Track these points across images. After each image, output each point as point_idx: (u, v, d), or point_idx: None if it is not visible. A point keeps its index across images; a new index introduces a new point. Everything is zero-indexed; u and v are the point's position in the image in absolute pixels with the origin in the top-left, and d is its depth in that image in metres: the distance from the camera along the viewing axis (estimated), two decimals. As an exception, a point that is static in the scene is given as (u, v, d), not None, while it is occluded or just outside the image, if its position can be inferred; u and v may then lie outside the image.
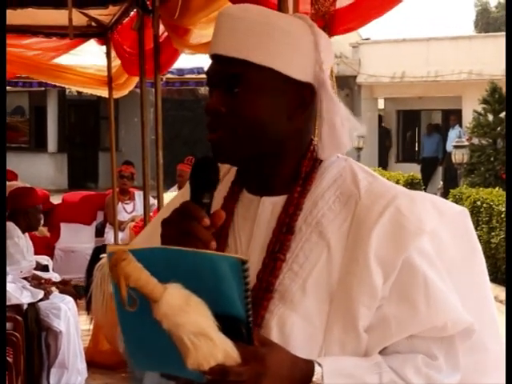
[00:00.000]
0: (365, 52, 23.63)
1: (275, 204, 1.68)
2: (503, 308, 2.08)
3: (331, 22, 2.73)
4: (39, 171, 21.29)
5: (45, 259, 7.06)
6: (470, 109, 19.53)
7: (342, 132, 1.68)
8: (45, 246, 8.86)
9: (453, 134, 20.09)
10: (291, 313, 1.58)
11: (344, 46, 22.34)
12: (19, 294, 5.55)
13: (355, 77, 23.51)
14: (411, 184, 16.45)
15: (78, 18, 6.17)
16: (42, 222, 8.12)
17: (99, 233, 9.37)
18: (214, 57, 1.66)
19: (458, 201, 11.95)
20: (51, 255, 8.60)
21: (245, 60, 1.60)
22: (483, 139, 18.06)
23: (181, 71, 10.12)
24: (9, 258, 5.60)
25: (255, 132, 1.62)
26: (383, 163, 23.10)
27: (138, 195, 8.78)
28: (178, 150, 15.21)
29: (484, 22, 38.66)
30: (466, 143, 17.18)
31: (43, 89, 18.77)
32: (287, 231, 1.64)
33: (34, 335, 5.61)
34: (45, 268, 6.71)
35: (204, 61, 8.17)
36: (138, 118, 9.79)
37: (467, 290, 1.65)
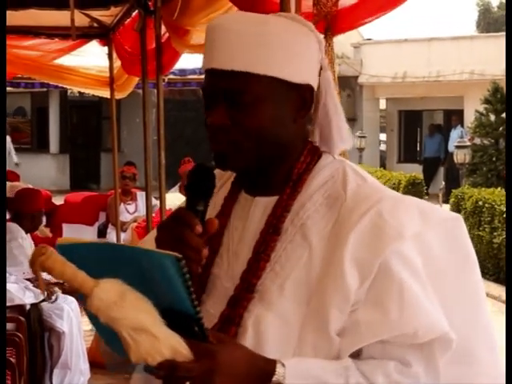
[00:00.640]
0: (366, 52, 23.63)
1: (267, 205, 1.69)
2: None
3: (333, 22, 2.74)
4: (41, 172, 21.29)
5: (47, 260, 7.06)
6: (472, 109, 19.54)
7: (345, 127, 1.72)
8: (47, 247, 8.86)
9: (455, 134, 20.10)
10: (268, 312, 1.59)
11: (346, 46, 22.34)
12: (22, 294, 5.55)
13: (357, 77, 23.52)
14: (413, 184, 16.46)
15: (80, 19, 6.18)
16: (44, 222, 8.15)
17: (101, 233, 9.37)
18: (210, 71, 1.64)
19: (460, 201, 11.95)
20: (53, 256, 8.60)
21: (246, 72, 1.60)
22: (485, 139, 18.08)
23: (183, 72, 10.13)
24: (13, 259, 5.61)
25: (262, 141, 1.63)
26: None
27: (140, 196, 8.79)
28: (181, 150, 15.21)
29: (486, 22, 38.66)
30: (468, 143, 17.17)
31: (45, 90, 18.84)
32: (273, 232, 1.65)
33: (36, 336, 5.61)
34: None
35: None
36: (139, 119, 9.78)
37: (456, 298, 1.62)
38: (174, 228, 1.54)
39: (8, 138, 21.00)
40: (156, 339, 1.38)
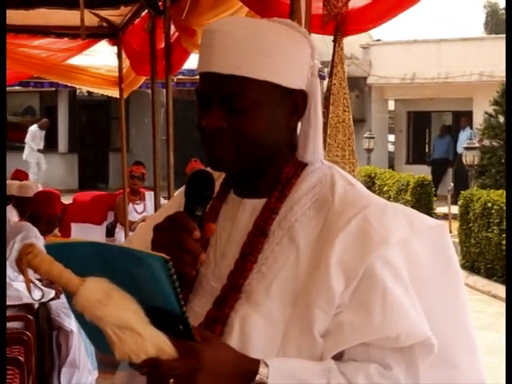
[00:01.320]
0: (375, 53, 23.61)
1: (255, 206, 1.71)
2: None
3: (343, 23, 2.74)
4: (50, 171, 21.33)
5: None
6: (481, 110, 19.50)
7: (321, 137, 1.74)
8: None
9: (463, 136, 20.07)
10: (254, 313, 1.60)
11: (354, 47, 22.33)
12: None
13: (365, 78, 23.50)
14: (421, 186, 16.43)
15: (90, 19, 6.19)
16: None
17: (110, 233, 9.37)
18: (207, 75, 1.65)
19: (468, 203, 11.93)
20: (62, 255, 8.62)
21: (244, 77, 1.62)
22: (494, 141, 18.03)
23: (192, 72, 10.14)
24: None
25: (257, 145, 1.65)
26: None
27: (149, 195, 8.80)
28: (189, 150, 15.21)
29: (494, 24, 38.59)
30: (477, 145, 17.16)
31: (54, 89, 18.87)
32: (260, 234, 1.67)
33: (45, 334, 5.63)
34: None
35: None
36: (148, 119, 9.79)
37: (439, 303, 1.64)
38: (172, 232, 1.56)
39: (42, 134, 20.95)
40: (140, 337, 1.40)
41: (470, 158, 16.42)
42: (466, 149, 16.77)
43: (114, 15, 6.53)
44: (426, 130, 24.91)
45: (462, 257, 11.84)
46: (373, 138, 21.16)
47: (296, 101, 1.68)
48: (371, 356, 1.57)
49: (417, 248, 1.63)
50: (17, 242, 5.73)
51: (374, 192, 1.81)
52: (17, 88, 14.91)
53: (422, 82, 22.40)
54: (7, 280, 5.40)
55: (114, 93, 8.26)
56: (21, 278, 5.61)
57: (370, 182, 17.69)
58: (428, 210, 15.45)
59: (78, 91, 21.68)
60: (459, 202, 12.36)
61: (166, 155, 5.43)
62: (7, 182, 7.89)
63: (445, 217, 15.61)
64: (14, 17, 6.07)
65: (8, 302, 5.31)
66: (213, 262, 1.71)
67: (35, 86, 13.94)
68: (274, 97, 1.65)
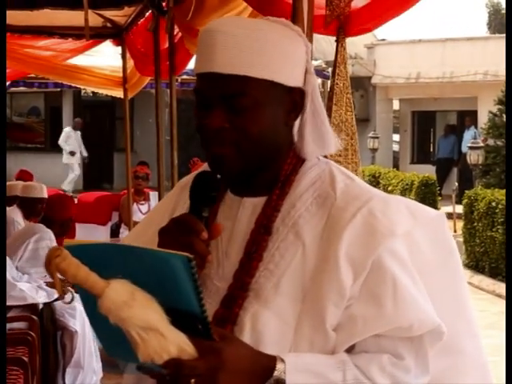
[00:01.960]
0: (380, 53, 23.59)
1: (255, 205, 1.72)
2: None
3: (346, 23, 2.74)
4: (54, 172, 21.34)
5: (60, 259, 7.08)
6: (486, 110, 19.49)
7: (326, 132, 1.74)
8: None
9: (468, 135, 20.04)
10: (264, 310, 1.61)
11: (359, 46, 22.32)
12: (35, 293, 5.57)
13: (370, 78, 23.48)
14: (426, 185, 16.40)
15: (94, 19, 6.20)
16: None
17: (114, 233, 9.38)
18: (208, 75, 1.65)
19: (473, 202, 11.91)
20: (66, 255, 8.62)
21: (244, 76, 1.63)
22: (499, 140, 18.01)
23: (196, 72, 10.11)
24: (37, 260, 5.63)
25: (259, 144, 1.66)
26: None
27: (153, 196, 8.80)
28: (193, 150, 15.22)
29: (497, 23, 38.53)
30: (482, 144, 17.13)
31: (59, 89, 18.89)
32: (264, 232, 1.68)
33: (49, 335, 5.63)
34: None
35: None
36: (152, 119, 9.81)
37: (442, 292, 1.68)
38: (179, 233, 1.57)
39: (77, 134, 20.80)
40: (163, 338, 1.40)
41: (474, 158, 16.40)
42: (471, 148, 16.74)
43: (117, 16, 6.55)
44: (431, 129, 24.88)
45: (466, 256, 11.83)
46: (377, 137, 21.13)
47: (294, 98, 1.70)
48: (382, 347, 1.59)
49: (419, 239, 1.67)
50: (31, 242, 5.75)
51: (378, 191, 1.83)
52: (21, 89, 14.92)
53: (426, 82, 22.38)
54: (11, 280, 5.41)
55: (118, 93, 8.27)
56: (25, 278, 5.63)
57: (375, 182, 17.67)
58: (432, 210, 15.40)
59: (82, 92, 21.70)
60: (463, 202, 12.34)
61: (170, 155, 5.44)
62: (11, 182, 7.90)
63: (449, 216, 15.58)
64: (19, 17, 6.09)
65: (12, 303, 5.33)
66: (215, 261, 1.71)
67: (40, 87, 13.92)
68: (274, 95, 1.66)
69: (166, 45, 5.53)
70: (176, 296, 1.44)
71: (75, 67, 8.09)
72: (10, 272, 5.44)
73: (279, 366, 1.53)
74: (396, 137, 25.10)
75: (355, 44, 20.45)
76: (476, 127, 20.86)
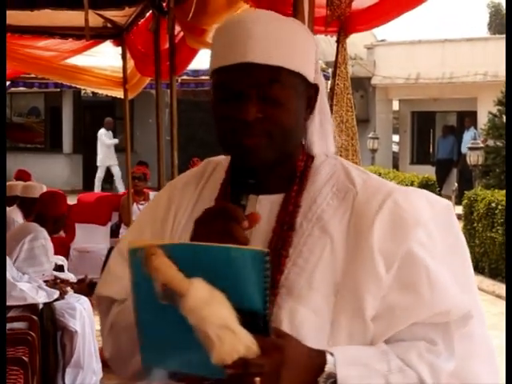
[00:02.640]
0: (380, 53, 23.58)
1: (272, 202, 1.73)
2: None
3: (347, 24, 2.74)
4: (54, 172, 21.34)
5: (60, 259, 7.09)
6: (485, 110, 19.47)
7: (329, 131, 1.78)
8: (60, 247, 8.90)
9: (468, 136, 20.02)
10: (299, 306, 1.62)
11: (359, 47, 22.30)
12: (35, 293, 5.57)
13: (370, 78, 23.47)
14: (426, 186, 16.39)
15: (94, 20, 6.21)
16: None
17: (114, 233, 9.39)
18: (241, 65, 1.63)
19: (472, 203, 11.91)
20: (66, 255, 8.63)
21: (279, 66, 1.63)
22: (498, 141, 17.99)
23: (196, 72, 10.12)
24: (33, 259, 5.64)
25: (289, 136, 1.67)
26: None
27: (153, 196, 8.79)
28: (193, 150, 15.22)
29: (498, 24, 38.53)
30: (481, 145, 17.11)
31: (59, 90, 18.87)
32: (288, 228, 1.69)
33: (49, 335, 5.63)
34: (60, 268, 6.73)
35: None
36: (153, 119, 9.80)
37: (454, 278, 1.70)
38: (220, 222, 1.54)
39: (110, 134, 20.26)
40: (236, 337, 1.41)
41: (474, 158, 16.39)
42: (470, 149, 16.72)
43: (118, 16, 6.55)
44: (431, 130, 24.85)
45: (466, 257, 11.83)
46: (377, 138, 21.11)
47: (311, 94, 1.71)
48: (416, 334, 1.63)
49: (434, 227, 1.70)
50: (26, 242, 5.75)
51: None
52: (21, 89, 14.90)
53: (426, 82, 22.36)
54: (12, 280, 5.42)
55: (118, 93, 8.28)
56: (25, 278, 5.63)
57: (375, 183, 17.64)
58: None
59: (82, 92, 21.67)
60: (463, 202, 12.34)
61: (170, 155, 5.44)
62: (11, 182, 7.91)
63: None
64: (19, 18, 6.09)
65: (12, 303, 5.34)
66: None
67: (40, 87, 13.90)
68: (301, 88, 1.68)
69: (167, 45, 5.54)
70: (242, 292, 1.44)
71: (75, 67, 8.10)
72: (11, 272, 5.45)
73: (329, 359, 1.55)
74: (396, 137, 25.09)
75: (355, 45, 20.43)
76: (476, 128, 20.85)
